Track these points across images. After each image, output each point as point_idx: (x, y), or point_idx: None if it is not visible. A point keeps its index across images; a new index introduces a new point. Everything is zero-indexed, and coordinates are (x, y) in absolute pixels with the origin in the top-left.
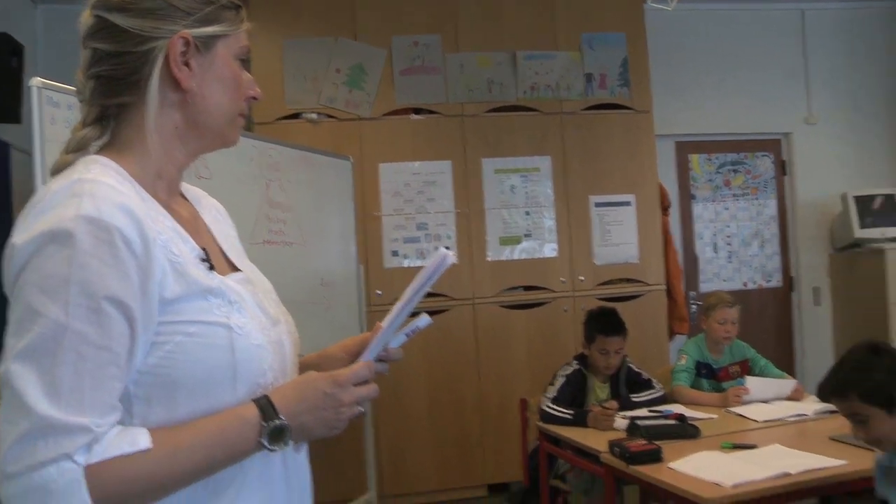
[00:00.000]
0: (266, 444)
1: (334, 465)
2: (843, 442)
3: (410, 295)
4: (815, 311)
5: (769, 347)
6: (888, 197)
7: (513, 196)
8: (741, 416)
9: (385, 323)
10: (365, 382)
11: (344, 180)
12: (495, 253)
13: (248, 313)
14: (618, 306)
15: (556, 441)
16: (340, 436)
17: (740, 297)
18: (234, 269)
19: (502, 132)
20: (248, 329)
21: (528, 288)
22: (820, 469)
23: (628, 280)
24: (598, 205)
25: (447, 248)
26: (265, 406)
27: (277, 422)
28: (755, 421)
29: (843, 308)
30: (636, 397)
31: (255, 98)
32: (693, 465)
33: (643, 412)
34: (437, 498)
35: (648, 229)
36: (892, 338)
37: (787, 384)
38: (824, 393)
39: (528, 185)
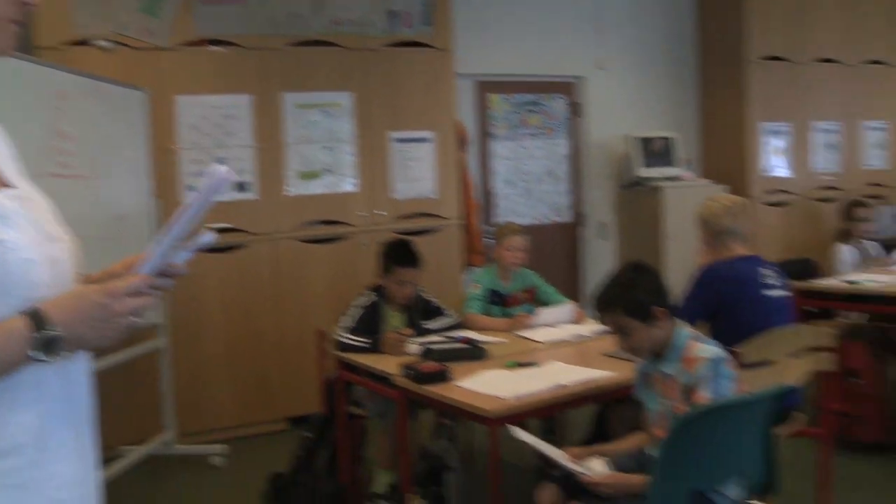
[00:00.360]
0: (37, 354)
1: (130, 405)
2: (614, 357)
3: (188, 211)
4: (601, 244)
5: (559, 277)
6: (667, 139)
7: (314, 131)
8: (527, 338)
9: (160, 238)
10: (140, 295)
11: (138, 112)
12: (295, 188)
13: (20, 228)
14: (416, 240)
15: (354, 369)
16: (136, 376)
17: (534, 232)
18: (7, 186)
19: (304, 67)
20: (18, 243)
21: (327, 223)
22: (592, 380)
23: (426, 215)
24: (397, 141)
25: (222, 166)
26: (35, 316)
27: (49, 332)
28: (540, 342)
29: (625, 241)
30: (429, 325)
31: (28, 4)
32: (478, 383)
33: (436, 338)
34: (237, 433)
35: (446, 165)
36: (665, 265)
37: (569, 309)
38: (595, 307)
39: (330, 120)
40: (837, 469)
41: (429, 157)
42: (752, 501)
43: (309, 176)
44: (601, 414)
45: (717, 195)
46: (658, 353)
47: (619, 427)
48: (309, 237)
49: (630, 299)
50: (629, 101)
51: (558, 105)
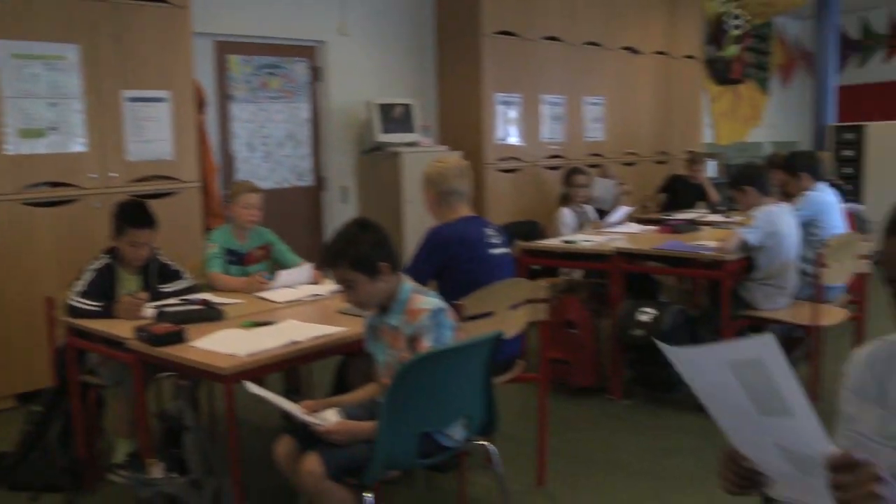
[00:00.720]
0: None
1: None
2: (348, 314)
3: None
4: (342, 208)
5: (302, 241)
6: (406, 106)
7: (35, 85)
8: (265, 299)
9: None
10: None
11: None
12: (15, 146)
13: None
14: (153, 203)
15: (87, 336)
16: None
17: (275, 195)
18: None
19: (21, 12)
20: None
21: (54, 184)
22: (324, 336)
23: (164, 177)
24: (130, 100)
25: None
26: None
27: None
28: (277, 303)
29: (366, 204)
30: (165, 288)
31: None
32: (214, 342)
33: (173, 301)
34: None
35: (183, 127)
36: (404, 228)
37: (306, 270)
38: (322, 262)
39: (54, 74)
40: (557, 411)
41: (165, 118)
42: (479, 441)
43: (32, 134)
44: (340, 368)
45: (443, 157)
46: (384, 307)
47: (356, 379)
48: (33, 200)
49: (355, 254)
50: (370, 68)
51: (299, 69)
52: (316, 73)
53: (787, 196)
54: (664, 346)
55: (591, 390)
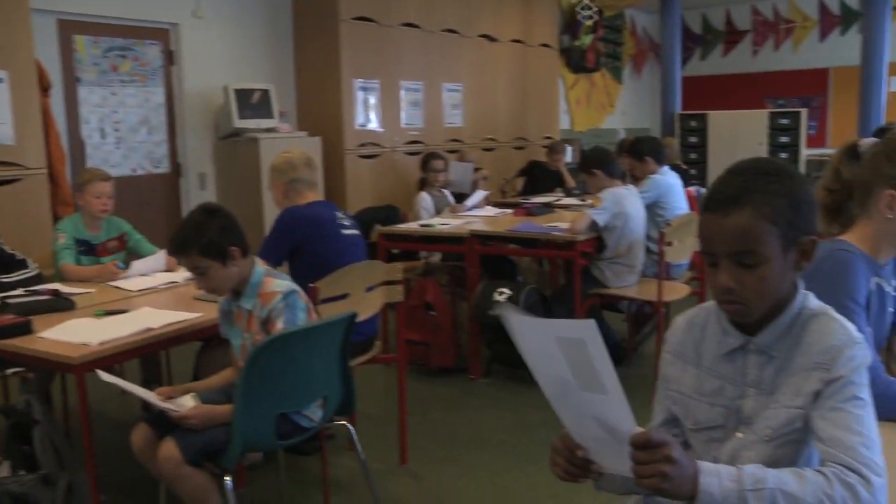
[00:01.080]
0: None
1: None
2: (203, 299)
3: None
4: (201, 195)
5: (159, 230)
6: (264, 91)
7: None
8: (118, 287)
9: None
10: None
11: None
12: None
13: None
14: None
15: None
16: None
17: (130, 183)
18: None
19: None
20: None
21: None
22: (179, 322)
23: (5, 163)
24: None
25: None
26: None
27: None
28: (131, 291)
29: (225, 191)
30: (8, 278)
31: None
32: (63, 332)
33: (18, 292)
34: None
35: (26, 110)
36: (264, 215)
37: (161, 257)
38: (171, 250)
39: None
40: (418, 391)
41: (4, 100)
42: (339, 422)
43: None
44: (200, 355)
45: (288, 149)
46: (237, 291)
47: (216, 366)
48: None
49: (204, 240)
50: (226, 52)
51: (152, 52)
52: (170, 57)
53: (635, 179)
54: (505, 314)
55: (451, 370)
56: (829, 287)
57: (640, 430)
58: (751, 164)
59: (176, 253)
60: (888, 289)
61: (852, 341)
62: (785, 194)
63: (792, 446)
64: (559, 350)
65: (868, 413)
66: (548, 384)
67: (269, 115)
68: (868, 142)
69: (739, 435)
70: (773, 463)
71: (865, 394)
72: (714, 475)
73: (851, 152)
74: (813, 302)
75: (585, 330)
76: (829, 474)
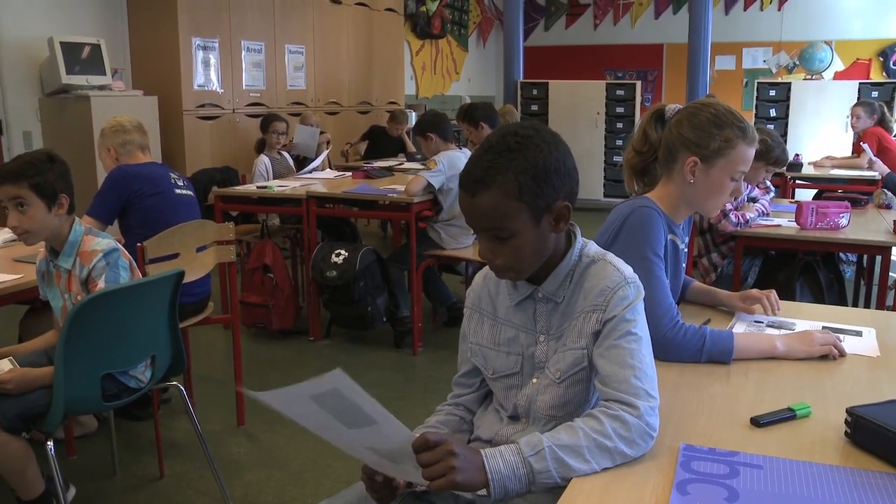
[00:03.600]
0: None
1: None
2: (23, 261)
3: None
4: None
5: None
6: (95, 46)
7: None
8: None
9: None
10: None
11: None
12: None
13: None
14: None
15: None
16: None
17: None
18: None
19: None
20: None
21: None
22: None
23: None
24: None
25: None
26: None
27: None
28: None
29: (54, 150)
30: None
31: None
32: None
33: None
34: None
35: None
36: (98, 177)
37: None
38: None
39: None
40: (258, 353)
41: None
42: (170, 383)
43: None
44: (24, 320)
45: (118, 116)
46: (55, 250)
47: (40, 329)
48: None
49: (39, 177)
50: (50, 1)
51: None
52: None
53: (473, 145)
54: (256, 394)
55: (292, 333)
56: (632, 240)
57: (417, 436)
58: (499, 139)
59: (3, 180)
60: (682, 246)
61: (625, 281)
62: (528, 169)
63: (581, 385)
64: (317, 406)
65: (641, 345)
66: (321, 431)
67: (100, 71)
68: (673, 107)
69: (534, 381)
70: (565, 403)
71: (639, 328)
72: (496, 456)
73: (658, 116)
74: (592, 249)
75: (335, 380)
76: (597, 414)
